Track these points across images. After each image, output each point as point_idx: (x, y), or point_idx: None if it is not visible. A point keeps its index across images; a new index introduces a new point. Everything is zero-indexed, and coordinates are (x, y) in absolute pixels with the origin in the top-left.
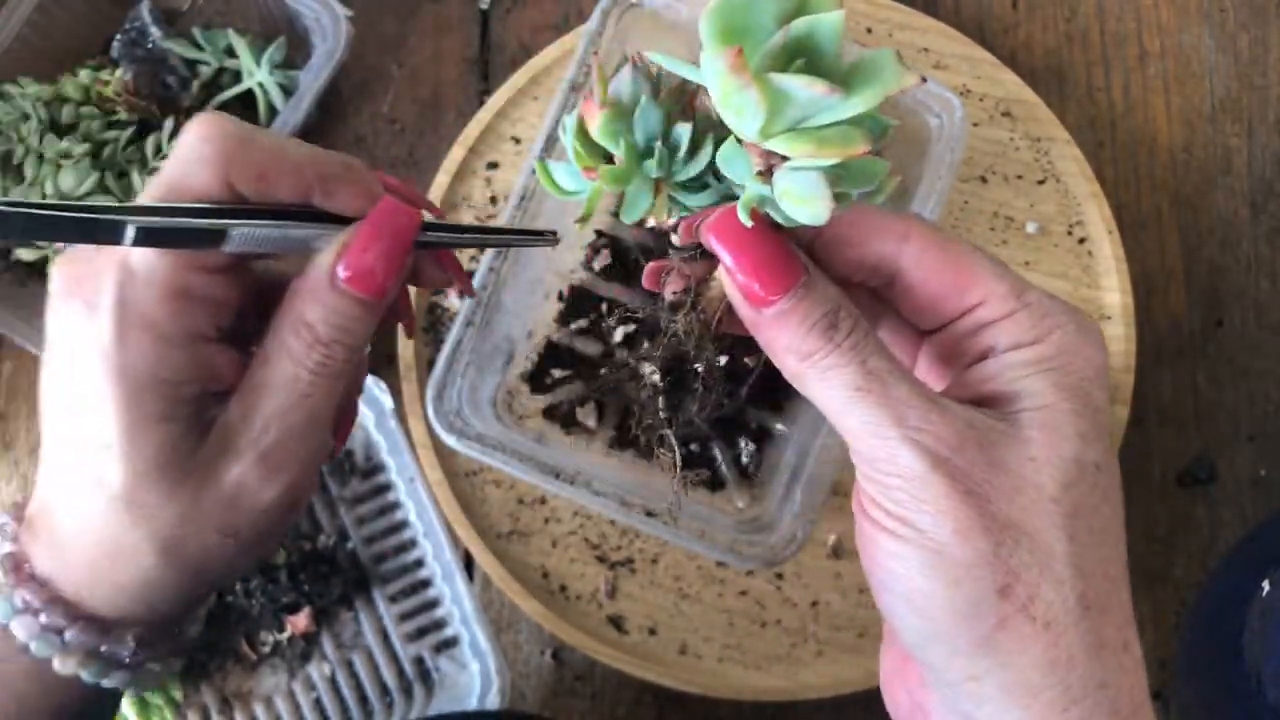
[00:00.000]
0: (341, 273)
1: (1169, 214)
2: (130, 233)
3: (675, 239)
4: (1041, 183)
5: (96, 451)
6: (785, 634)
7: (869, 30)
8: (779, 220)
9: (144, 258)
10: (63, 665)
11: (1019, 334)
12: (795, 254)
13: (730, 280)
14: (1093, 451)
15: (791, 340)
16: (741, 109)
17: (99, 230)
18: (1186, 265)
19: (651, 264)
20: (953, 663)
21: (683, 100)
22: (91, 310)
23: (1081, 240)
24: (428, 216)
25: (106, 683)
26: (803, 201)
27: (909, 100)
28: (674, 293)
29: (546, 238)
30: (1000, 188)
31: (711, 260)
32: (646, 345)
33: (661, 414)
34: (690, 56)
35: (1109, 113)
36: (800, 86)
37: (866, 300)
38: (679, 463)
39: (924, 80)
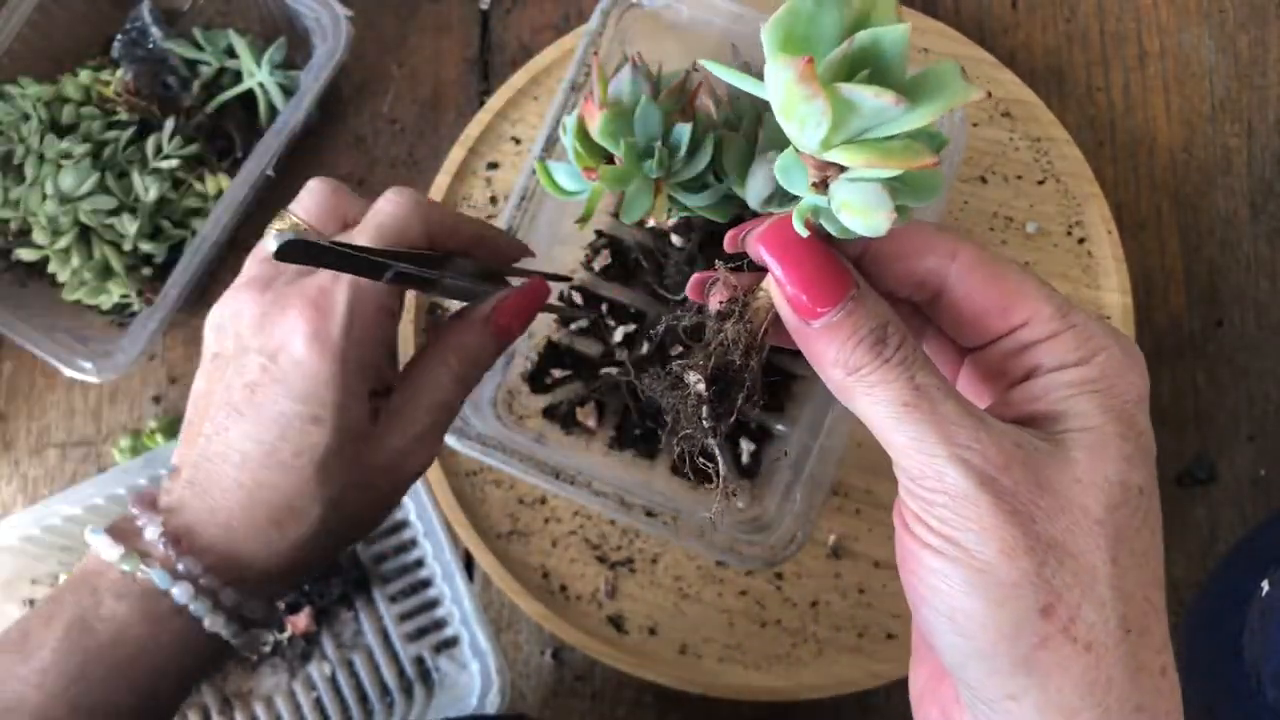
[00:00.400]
0: (495, 319)
1: (1169, 214)
2: (389, 274)
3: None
4: (1041, 183)
5: (305, 424)
6: (785, 634)
7: None
8: (831, 232)
9: (367, 282)
10: (212, 624)
11: (1064, 355)
12: (845, 267)
13: (779, 291)
14: (1137, 475)
15: (840, 354)
16: (806, 119)
17: (373, 268)
18: (1186, 265)
19: (696, 275)
20: (991, 681)
21: (683, 100)
22: (326, 315)
23: (1081, 240)
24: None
25: (239, 642)
26: (862, 213)
27: None
28: (720, 303)
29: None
30: (1000, 188)
31: (759, 271)
32: (686, 354)
33: (706, 423)
34: (689, 59)
35: (1109, 113)
36: (868, 97)
37: (909, 315)
38: (722, 473)
39: (989, 95)
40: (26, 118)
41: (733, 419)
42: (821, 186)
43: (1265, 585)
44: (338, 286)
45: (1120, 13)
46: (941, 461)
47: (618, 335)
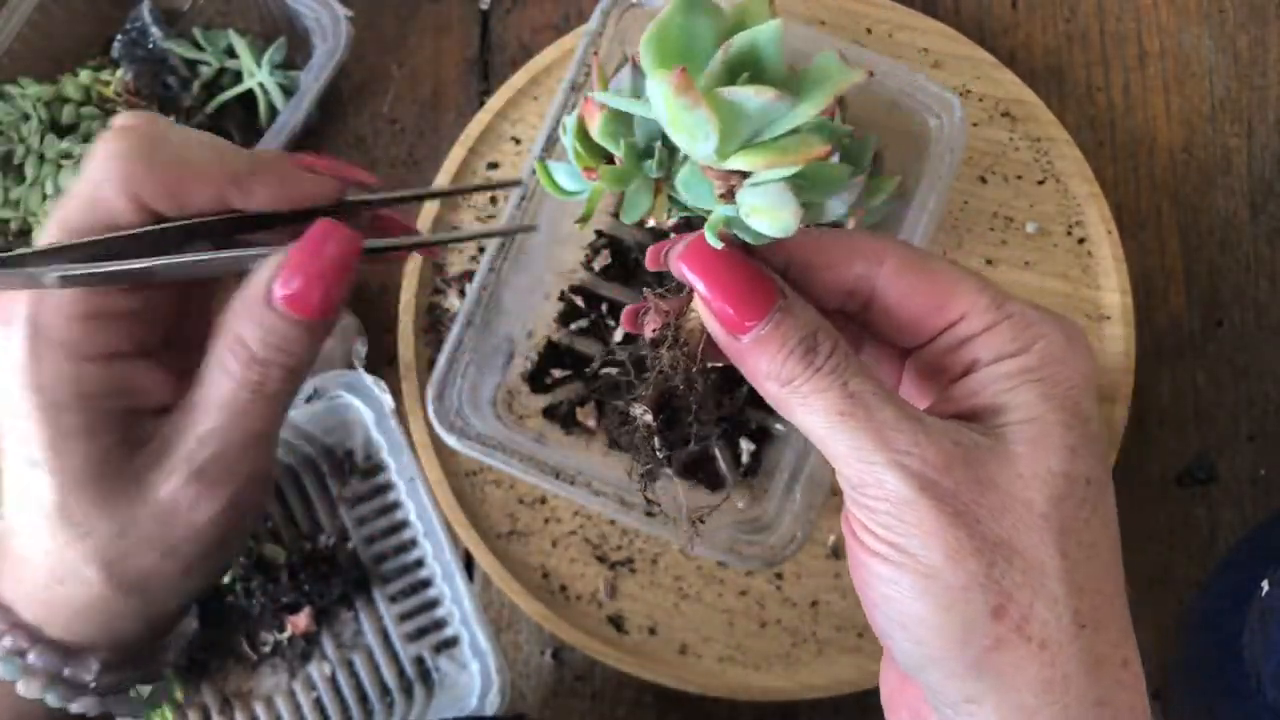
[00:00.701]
0: (278, 292)
1: (1169, 214)
2: (51, 279)
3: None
4: (1041, 183)
5: (27, 469)
6: (785, 634)
7: (869, 30)
8: (748, 241)
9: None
10: (27, 689)
11: (1002, 346)
12: (770, 278)
13: (705, 308)
14: (1082, 465)
15: (771, 366)
16: (694, 130)
17: (19, 279)
18: (1186, 265)
19: (628, 307)
20: (949, 685)
21: None
22: (6, 329)
23: (1081, 240)
24: (359, 195)
25: (75, 708)
26: (769, 215)
27: (909, 100)
28: (653, 330)
29: (514, 229)
30: (1000, 188)
31: (688, 292)
32: (634, 387)
33: (659, 454)
34: None
35: (1109, 113)
36: (749, 96)
37: (846, 324)
38: (685, 502)
39: (870, 74)
40: (26, 118)
41: (689, 444)
42: (729, 196)
43: (1265, 585)
44: (17, 293)
45: (1120, 13)
46: (880, 468)
47: (618, 335)
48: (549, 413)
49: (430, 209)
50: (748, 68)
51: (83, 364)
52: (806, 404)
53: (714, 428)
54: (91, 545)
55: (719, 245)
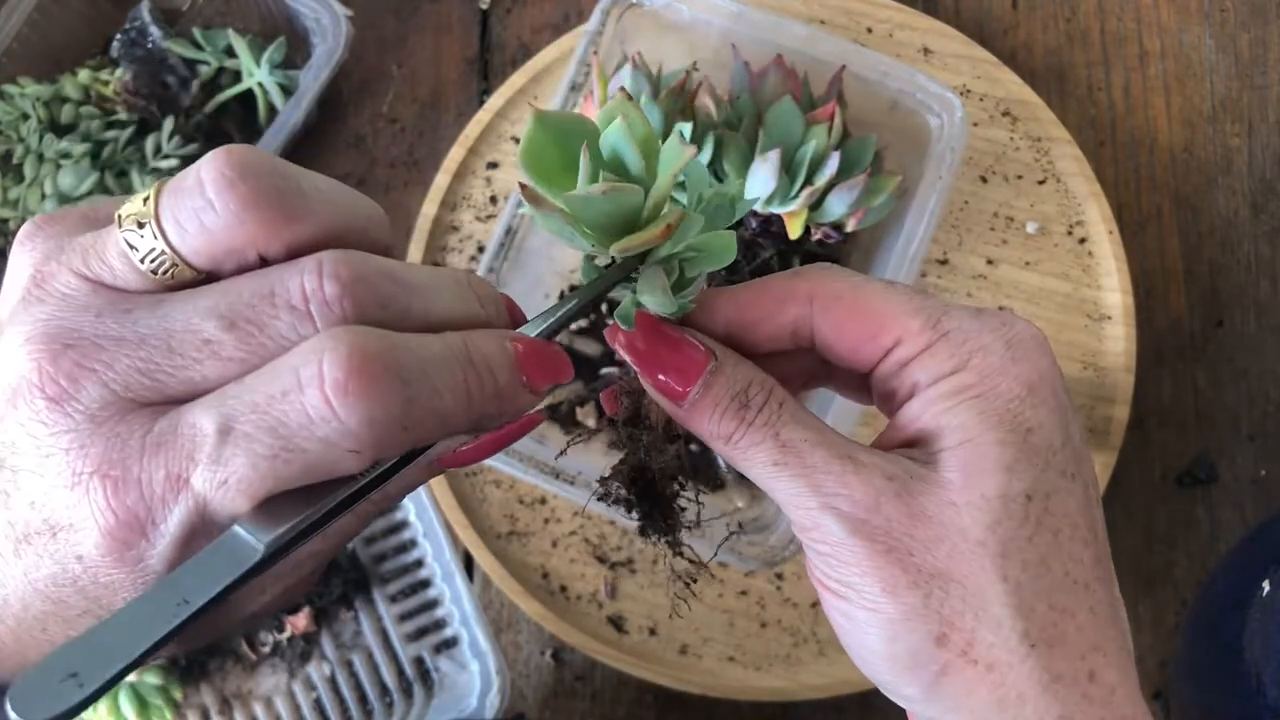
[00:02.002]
0: (441, 461)
1: (1169, 214)
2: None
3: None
4: (1042, 183)
5: (91, 618)
6: (785, 634)
7: (869, 30)
8: (665, 316)
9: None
10: None
11: (938, 366)
12: (696, 345)
13: (649, 385)
14: (1019, 482)
15: (710, 426)
16: (561, 233)
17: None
18: (1186, 265)
19: (605, 391)
20: (913, 707)
21: (683, 100)
22: (139, 532)
23: (1082, 240)
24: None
25: None
26: (650, 294)
27: (909, 100)
28: (615, 412)
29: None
30: (1000, 188)
31: None
32: (611, 466)
33: (638, 523)
34: (690, 57)
35: (1109, 113)
36: (586, 196)
37: (811, 359)
38: (670, 556)
39: (696, 152)
40: (26, 117)
41: (674, 506)
42: (629, 279)
43: (1265, 585)
44: (177, 482)
45: (1121, 13)
46: (816, 513)
47: None
48: (549, 413)
49: (429, 208)
50: (613, 166)
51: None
52: (747, 457)
53: (683, 486)
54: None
55: (629, 328)
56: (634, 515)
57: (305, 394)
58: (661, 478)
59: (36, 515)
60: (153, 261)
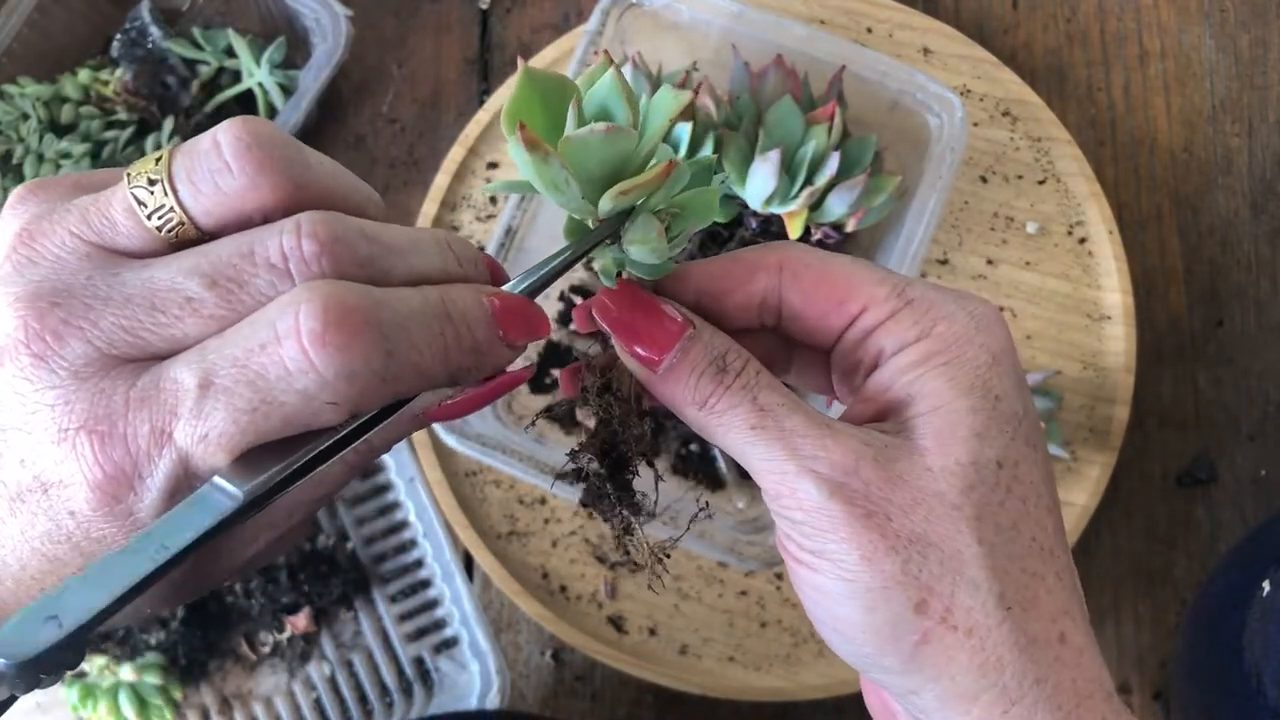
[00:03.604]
0: (427, 413)
1: (1169, 214)
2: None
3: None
4: (1042, 183)
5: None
6: (785, 634)
7: (869, 30)
8: (645, 277)
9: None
10: None
11: (904, 333)
12: (675, 312)
13: (624, 351)
14: (991, 448)
15: (685, 392)
16: (556, 182)
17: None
18: (1186, 265)
19: (564, 370)
20: (890, 680)
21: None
22: (127, 486)
23: (1082, 240)
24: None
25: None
26: (641, 242)
27: (909, 100)
28: (586, 385)
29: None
30: (1000, 188)
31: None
32: (580, 442)
33: (612, 497)
34: (690, 57)
35: (1109, 113)
36: (592, 132)
37: (774, 343)
38: (649, 545)
39: (696, 94)
40: (26, 117)
41: (636, 483)
42: (614, 238)
43: (1265, 585)
44: (160, 436)
45: (1121, 13)
46: (792, 477)
47: None
48: (549, 413)
49: (429, 208)
50: (600, 119)
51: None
52: (722, 423)
53: (651, 465)
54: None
55: (611, 284)
56: (608, 489)
57: (283, 346)
58: (632, 453)
59: (27, 473)
60: (160, 218)
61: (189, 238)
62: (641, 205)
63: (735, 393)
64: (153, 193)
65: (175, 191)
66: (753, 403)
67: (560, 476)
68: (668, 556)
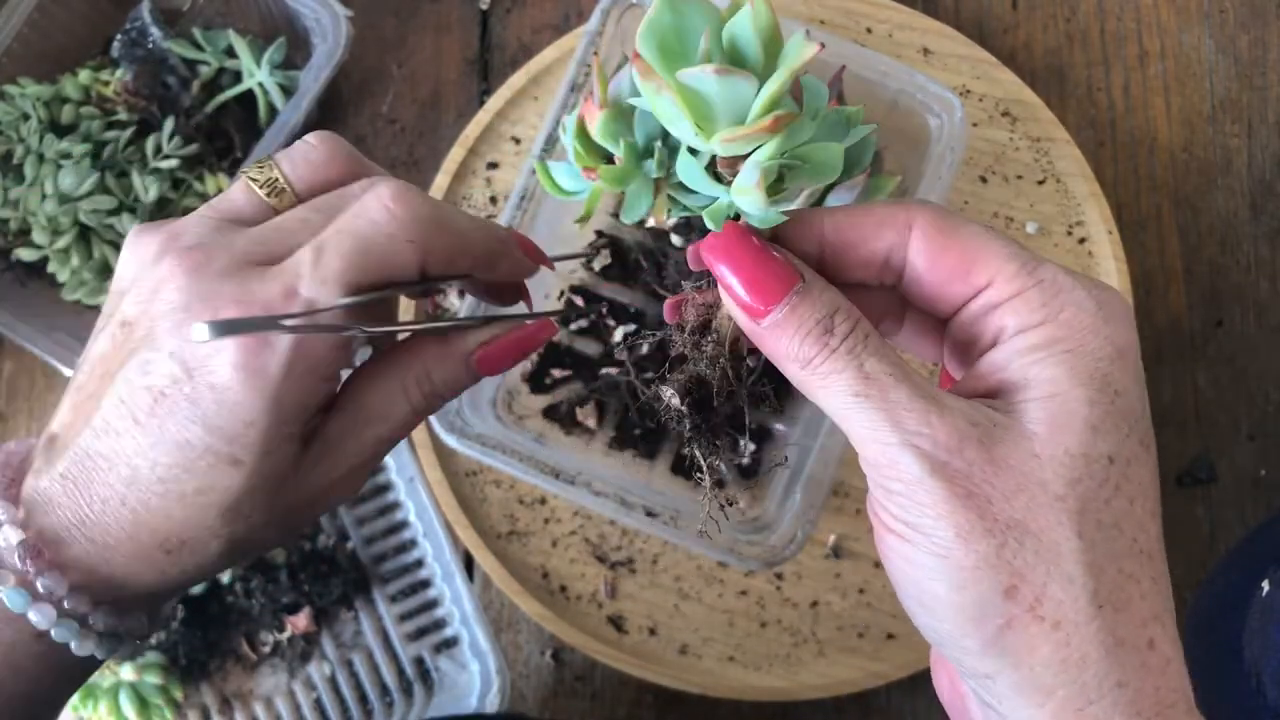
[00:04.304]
0: (476, 358)
1: (1169, 214)
2: (356, 337)
3: (678, 242)
4: (1041, 183)
5: (217, 462)
6: (785, 634)
7: (869, 30)
8: (757, 226)
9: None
10: (81, 648)
11: (1028, 315)
12: (787, 263)
13: (728, 297)
14: (1104, 443)
15: (789, 348)
16: (670, 116)
17: (334, 329)
18: (1186, 265)
19: (669, 300)
20: (967, 660)
21: None
22: (265, 344)
23: (1082, 240)
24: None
25: (112, 656)
26: (748, 192)
27: (909, 100)
28: (687, 321)
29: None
30: (1000, 188)
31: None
32: (664, 371)
33: (687, 434)
34: None
35: (1109, 113)
36: (703, 74)
37: (889, 300)
38: (707, 482)
39: (822, 46)
40: (26, 118)
41: (717, 428)
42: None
43: (1265, 585)
44: (289, 293)
45: (1120, 13)
46: (895, 449)
47: (618, 335)
48: (549, 413)
49: None
50: (731, 56)
51: (323, 383)
52: (825, 385)
53: (751, 412)
54: (236, 528)
55: (718, 230)
56: (687, 429)
57: (370, 210)
58: (720, 396)
59: (175, 364)
60: (267, 186)
61: (286, 204)
62: (754, 155)
63: (841, 357)
64: (262, 169)
65: (279, 164)
66: (858, 369)
67: (651, 400)
68: (731, 504)
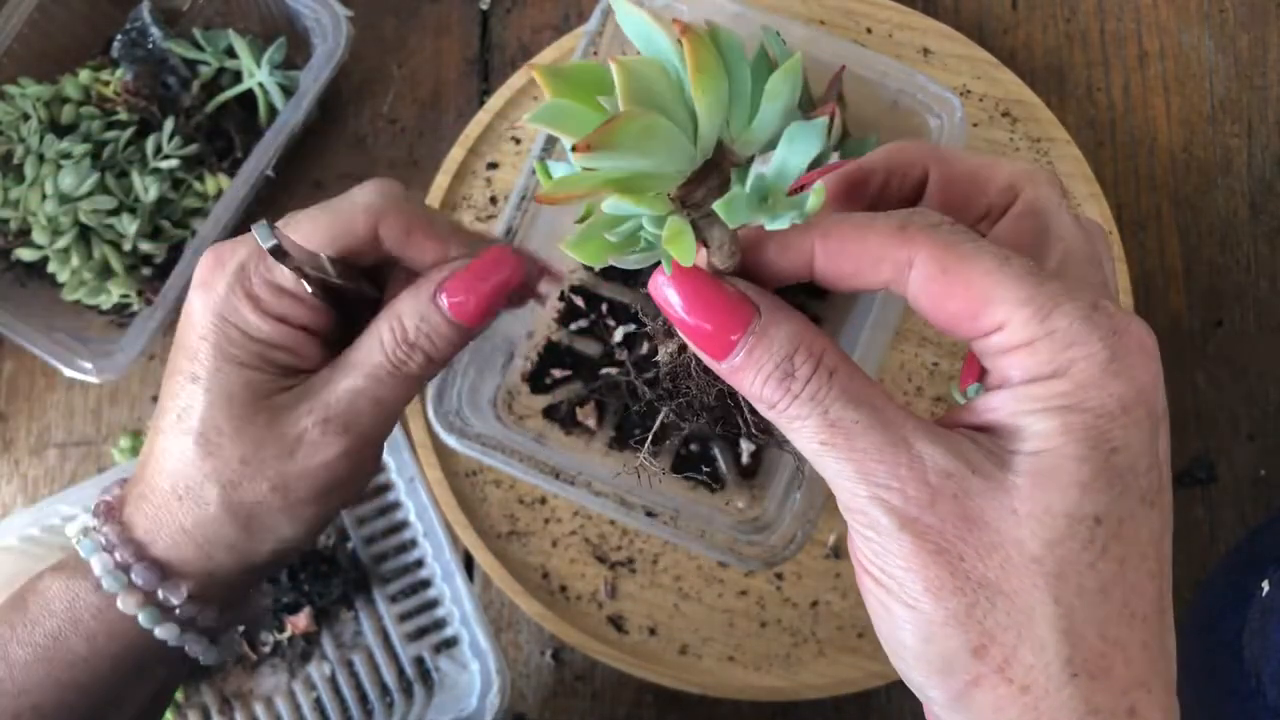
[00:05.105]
0: (443, 294)
1: (1169, 214)
2: (328, 264)
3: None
4: None
5: (188, 383)
6: (785, 634)
7: (869, 30)
8: (769, 226)
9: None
10: (124, 603)
11: (1036, 367)
12: (739, 299)
13: (688, 341)
14: (1092, 503)
15: (752, 390)
16: (621, 169)
17: (305, 254)
18: (1186, 265)
19: (651, 283)
20: (937, 710)
21: None
22: (219, 263)
23: None
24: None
25: (160, 632)
26: (668, 243)
27: (909, 100)
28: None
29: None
30: None
31: None
32: (646, 367)
33: (646, 395)
34: None
35: (1109, 113)
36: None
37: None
38: (649, 438)
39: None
40: (26, 118)
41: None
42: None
43: (1265, 585)
44: (239, 249)
45: (1120, 13)
46: (863, 501)
47: (618, 335)
48: (549, 413)
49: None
50: (642, 98)
51: (263, 317)
52: (792, 429)
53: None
54: (216, 464)
55: (669, 269)
56: (667, 408)
57: (354, 194)
58: (696, 398)
59: (179, 354)
60: None
61: None
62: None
63: (804, 403)
64: None
65: None
66: (822, 417)
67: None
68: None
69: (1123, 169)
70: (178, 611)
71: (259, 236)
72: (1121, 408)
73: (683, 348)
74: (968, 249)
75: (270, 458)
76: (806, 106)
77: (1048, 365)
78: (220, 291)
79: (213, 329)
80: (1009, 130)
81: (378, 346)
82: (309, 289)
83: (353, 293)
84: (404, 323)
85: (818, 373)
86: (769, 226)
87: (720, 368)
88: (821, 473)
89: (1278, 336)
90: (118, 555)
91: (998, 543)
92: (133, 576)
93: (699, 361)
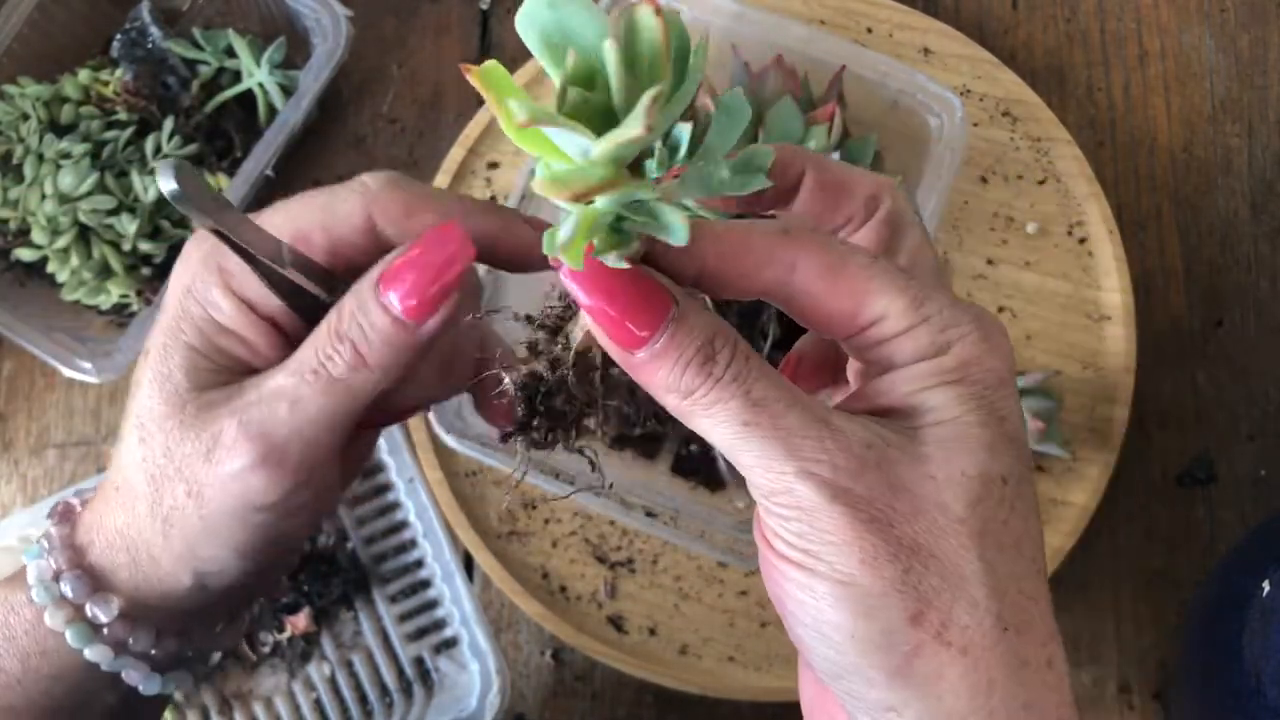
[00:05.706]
0: (381, 283)
1: (1169, 214)
2: (290, 266)
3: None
4: (1042, 183)
5: (142, 359)
6: (785, 634)
7: (869, 30)
8: (664, 239)
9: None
10: (52, 618)
11: (919, 349)
12: (658, 286)
13: (597, 328)
14: (999, 464)
15: (669, 379)
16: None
17: (270, 245)
18: (1186, 265)
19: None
20: (869, 694)
21: None
22: (206, 239)
23: (1082, 240)
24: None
25: (90, 654)
26: (566, 247)
27: (909, 100)
28: (546, 321)
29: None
30: (1000, 188)
31: (574, 308)
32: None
33: (516, 426)
34: None
35: (1109, 113)
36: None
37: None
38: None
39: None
40: (26, 117)
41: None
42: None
43: (1265, 585)
44: (206, 239)
45: (1120, 13)
46: (790, 478)
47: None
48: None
49: None
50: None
51: (226, 294)
52: (710, 415)
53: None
54: (146, 452)
55: (575, 265)
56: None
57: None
58: (564, 402)
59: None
60: None
61: None
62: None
63: (726, 385)
64: None
65: None
66: (745, 397)
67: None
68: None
69: (1123, 169)
70: (105, 631)
71: (167, 189)
72: (999, 380)
73: (582, 352)
74: (844, 250)
75: (188, 455)
76: (807, 107)
77: (929, 347)
78: (194, 261)
79: (175, 302)
80: (1009, 130)
81: (310, 341)
82: (260, 280)
83: (312, 296)
84: (339, 312)
85: (737, 355)
86: (727, 193)
87: (635, 357)
88: (738, 458)
89: (1278, 336)
90: (52, 561)
91: (922, 508)
92: (62, 586)
93: (590, 362)
